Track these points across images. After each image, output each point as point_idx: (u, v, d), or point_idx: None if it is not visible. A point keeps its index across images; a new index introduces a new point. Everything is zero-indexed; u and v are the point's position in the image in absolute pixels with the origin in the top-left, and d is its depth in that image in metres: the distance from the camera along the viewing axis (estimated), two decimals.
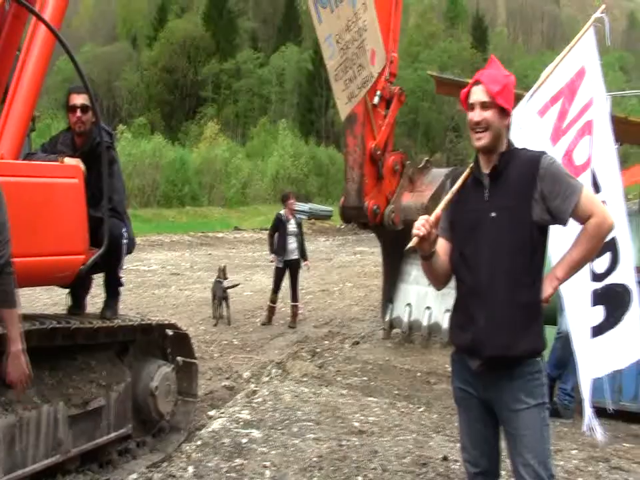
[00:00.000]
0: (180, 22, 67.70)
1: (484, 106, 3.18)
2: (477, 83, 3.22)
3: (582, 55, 4.57)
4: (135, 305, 12.43)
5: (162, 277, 17.16)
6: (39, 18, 4.97)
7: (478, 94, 3.20)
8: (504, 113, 3.19)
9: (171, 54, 64.97)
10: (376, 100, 9.33)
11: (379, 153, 9.34)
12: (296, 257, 11.72)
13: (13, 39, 5.65)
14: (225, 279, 11.79)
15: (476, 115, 3.20)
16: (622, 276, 4.41)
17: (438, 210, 3.23)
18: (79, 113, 5.31)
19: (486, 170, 3.25)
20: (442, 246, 3.33)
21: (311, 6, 7.32)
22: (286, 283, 11.86)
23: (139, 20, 73.92)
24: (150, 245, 23.83)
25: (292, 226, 11.76)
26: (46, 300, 11.51)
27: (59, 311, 6.10)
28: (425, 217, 3.15)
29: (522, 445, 3.20)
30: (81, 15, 77.49)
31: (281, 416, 6.51)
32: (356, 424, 6.41)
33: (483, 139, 3.21)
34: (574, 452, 6.00)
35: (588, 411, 4.20)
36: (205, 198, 43.54)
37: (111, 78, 62.76)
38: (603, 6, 4.84)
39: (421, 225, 3.12)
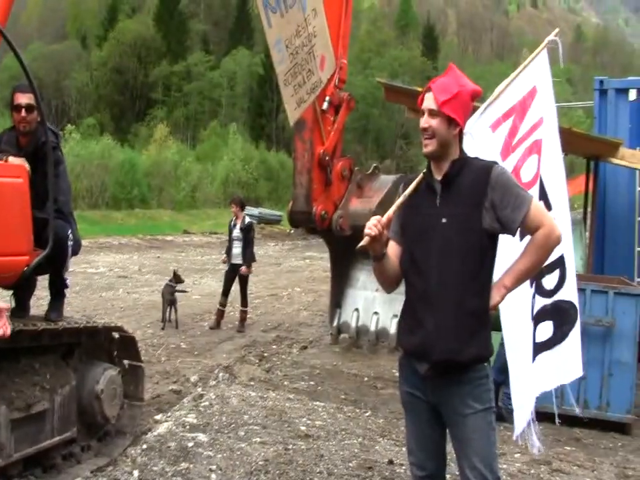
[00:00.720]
0: (130, 22, 67.03)
1: (431, 114, 3.24)
2: (428, 90, 3.28)
3: (535, 74, 4.68)
4: (81, 308, 12.26)
5: (110, 279, 16.95)
6: None
7: (427, 101, 3.27)
8: (451, 122, 3.25)
9: (121, 54, 64.29)
10: (325, 105, 9.39)
11: (327, 158, 9.39)
12: (240, 261, 11.74)
13: None
14: (180, 282, 11.73)
15: (423, 122, 3.26)
16: (568, 293, 4.51)
17: (390, 211, 3.27)
18: (23, 113, 5.23)
19: (438, 176, 3.30)
20: (393, 249, 3.38)
21: (261, 10, 7.31)
22: (236, 287, 11.86)
23: (89, 19, 73.02)
24: (98, 247, 23.50)
25: (236, 231, 11.84)
26: None
27: None
28: (377, 217, 3.18)
29: (469, 449, 3.24)
30: (30, 11, 76.13)
31: (227, 420, 6.49)
32: (302, 428, 6.42)
33: (429, 146, 3.27)
34: (517, 455, 6.10)
35: (521, 421, 4.22)
36: (154, 201, 43.17)
37: (59, 77, 61.83)
38: (557, 29, 4.99)
39: (372, 225, 3.15)
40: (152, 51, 65.65)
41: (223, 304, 11.77)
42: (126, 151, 46.81)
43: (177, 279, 11.67)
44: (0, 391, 4.89)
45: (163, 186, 44.45)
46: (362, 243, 3.18)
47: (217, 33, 76.92)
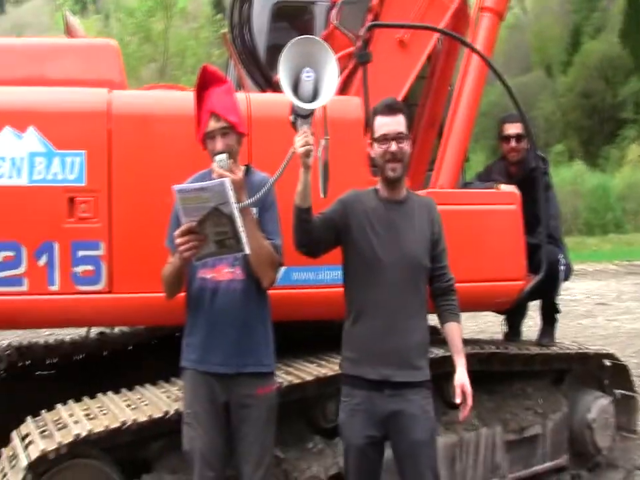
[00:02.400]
0: (595, 43, 65.59)
1: None
2: None
3: None
4: (561, 335, 12.10)
5: (587, 306, 16.57)
6: (473, 49, 5.16)
7: None
8: None
9: (586, 78, 63.22)
10: None
11: None
12: None
13: (446, 75, 5.97)
14: None
15: None
16: None
17: None
18: (512, 143, 5.39)
19: None
20: None
21: None
22: None
23: (553, 47, 73.28)
24: (574, 275, 23.11)
25: None
26: (472, 327, 11.77)
27: (485, 338, 6.28)
28: None
29: None
30: (496, 47, 78.81)
31: None
32: None
33: None
34: None
35: None
36: (630, 225, 41.34)
37: (527, 108, 62.72)
38: None
39: None
40: (619, 69, 63.46)
41: None
42: (597, 175, 45.74)
43: None
44: (496, 412, 5.05)
45: (639, 209, 42.38)
46: None
47: None
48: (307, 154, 3.08)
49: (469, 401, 3.32)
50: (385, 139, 3.33)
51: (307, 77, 3.17)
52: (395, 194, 3.42)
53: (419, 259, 3.37)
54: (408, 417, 3.27)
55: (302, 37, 3.22)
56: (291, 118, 3.31)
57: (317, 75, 3.19)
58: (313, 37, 3.27)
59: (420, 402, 3.32)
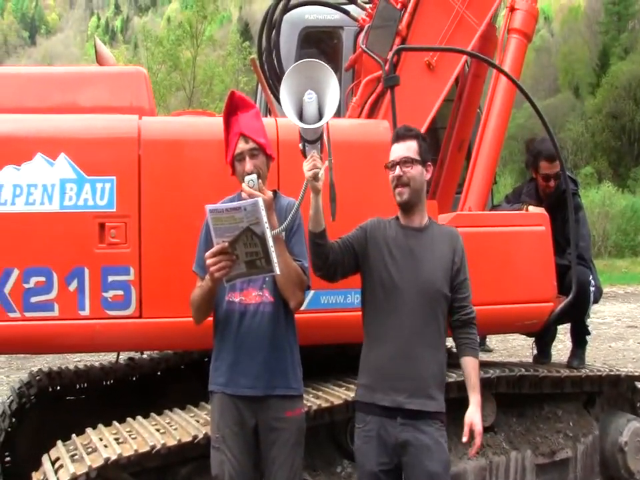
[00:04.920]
0: (623, 64, 65.24)
1: None
2: None
3: None
4: (591, 358, 11.94)
5: (618, 329, 16.36)
6: (501, 71, 5.17)
7: None
8: None
9: (615, 98, 62.82)
10: None
11: None
12: None
13: (473, 97, 5.98)
14: None
15: None
16: None
17: None
18: (552, 182, 5.38)
19: None
20: None
21: None
22: None
23: (581, 69, 73.07)
24: (603, 297, 22.76)
25: None
26: (502, 350, 11.68)
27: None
28: None
29: None
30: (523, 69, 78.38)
31: None
32: None
33: None
34: None
35: None
36: None
37: (555, 129, 62.49)
38: None
39: None
40: None
41: None
42: (627, 196, 45.28)
43: None
44: (526, 436, 5.01)
45: None
46: None
47: None
48: (314, 177, 3.10)
49: (478, 441, 3.28)
50: (392, 165, 3.39)
51: (309, 98, 3.19)
52: (412, 221, 3.44)
53: (437, 287, 3.35)
54: (420, 447, 3.23)
55: (301, 61, 3.24)
56: (300, 145, 3.33)
57: (319, 95, 3.20)
58: (312, 59, 3.27)
59: (433, 433, 3.27)
